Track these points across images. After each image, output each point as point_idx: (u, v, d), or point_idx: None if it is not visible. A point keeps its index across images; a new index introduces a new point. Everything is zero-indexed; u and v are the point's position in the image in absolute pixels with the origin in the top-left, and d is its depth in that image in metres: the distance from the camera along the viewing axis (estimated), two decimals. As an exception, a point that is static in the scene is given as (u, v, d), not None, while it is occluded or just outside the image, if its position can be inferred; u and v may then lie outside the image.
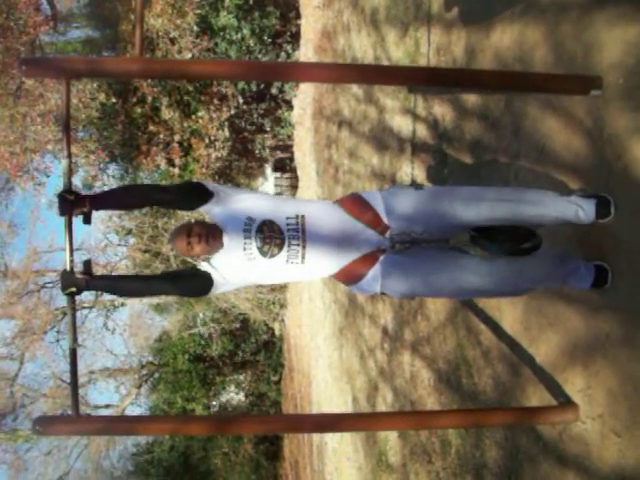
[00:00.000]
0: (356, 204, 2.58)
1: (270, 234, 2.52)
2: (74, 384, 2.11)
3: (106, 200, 2.63)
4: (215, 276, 2.62)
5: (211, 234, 2.59)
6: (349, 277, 2.61)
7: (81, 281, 2.43)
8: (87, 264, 2.60)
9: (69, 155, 2.11)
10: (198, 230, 2.57)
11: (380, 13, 6.16)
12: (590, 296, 2.38)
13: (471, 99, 3.71)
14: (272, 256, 2.54)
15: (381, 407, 5.59)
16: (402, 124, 5.15)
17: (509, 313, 3.04)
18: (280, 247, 2.52)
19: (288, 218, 2.55)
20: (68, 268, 2.34)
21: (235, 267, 2.62)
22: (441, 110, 4.21)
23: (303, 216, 2.55)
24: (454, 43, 4.01)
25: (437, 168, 4.20)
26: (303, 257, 2.53)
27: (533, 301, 2.82)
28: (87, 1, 13.93)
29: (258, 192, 2.79)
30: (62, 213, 2.34)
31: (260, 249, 2.54)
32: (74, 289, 2.38)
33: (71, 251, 2.30)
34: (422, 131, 4.62)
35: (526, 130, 2.99)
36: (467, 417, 2.13)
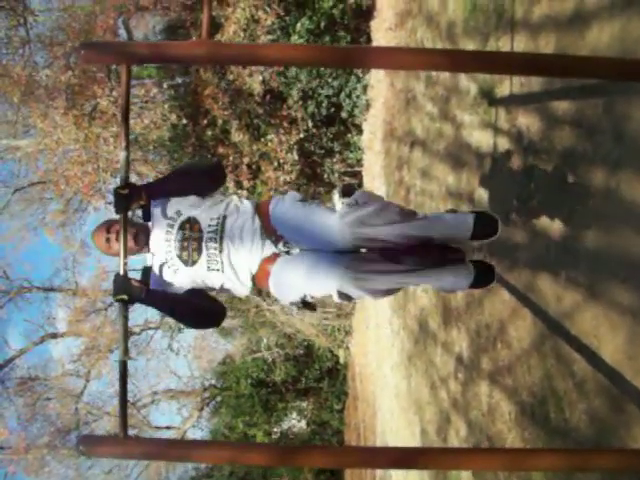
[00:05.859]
0: (265, 211, 2.62)
1: (190, 234, 2.46)
2: (123, 401, 1.89)
3: (162, 188, 2.48)
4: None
5: (132, 232, 2.48)
6: (262, 283, 2.62)
7: (136, 290, 2.21)
8: (145, 272, 2.41)
9: (127, 147, 1.91)
10: (118, 227, 2.41)
11: (457, 26, 5.90)
12: None
13: (562, 106, 3.39)
14: (193, 263, 2.47)
15: (453, 441, 5.21)
16: (481, 139, 4.84)
17: (609, 341, 2.68)
18: (199, 251, 2.47)
19: (211, 219, 2.51)
20: (122, 272, 2.09)
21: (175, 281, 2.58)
22: (526, 121, 3.89)
23: (225, 217, 2.52)
24: (542, 48, 3.71)
25: (522, 183, 3.88)
26: (222, 264, 2.48)
27: (638, 327, 2.47)
28: (162, 27, 14.24)
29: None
30: (118, 210, 2.13)
31: (179, 257, 2.47)
32: (125, 297, 2.14)
33: (126, 253, 2.06)
34: (504, 145, 4.30)
35: (630, 134, 2.65)
36: (571, 458, 1.80)
